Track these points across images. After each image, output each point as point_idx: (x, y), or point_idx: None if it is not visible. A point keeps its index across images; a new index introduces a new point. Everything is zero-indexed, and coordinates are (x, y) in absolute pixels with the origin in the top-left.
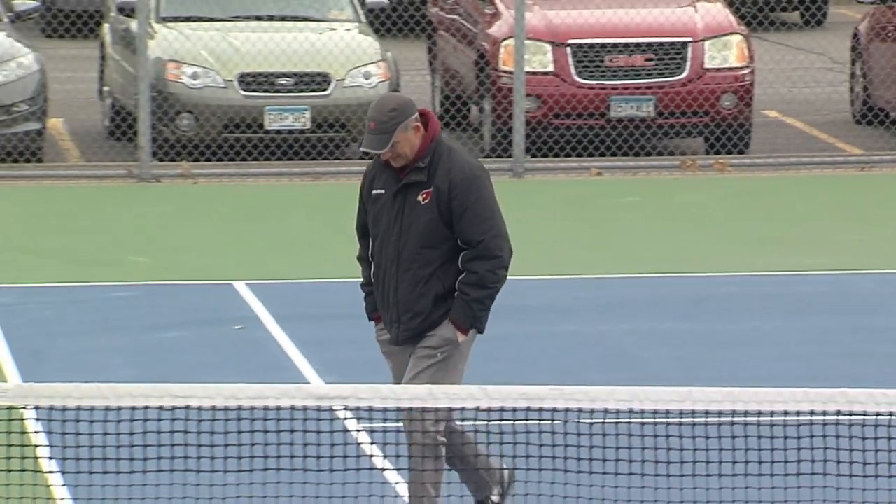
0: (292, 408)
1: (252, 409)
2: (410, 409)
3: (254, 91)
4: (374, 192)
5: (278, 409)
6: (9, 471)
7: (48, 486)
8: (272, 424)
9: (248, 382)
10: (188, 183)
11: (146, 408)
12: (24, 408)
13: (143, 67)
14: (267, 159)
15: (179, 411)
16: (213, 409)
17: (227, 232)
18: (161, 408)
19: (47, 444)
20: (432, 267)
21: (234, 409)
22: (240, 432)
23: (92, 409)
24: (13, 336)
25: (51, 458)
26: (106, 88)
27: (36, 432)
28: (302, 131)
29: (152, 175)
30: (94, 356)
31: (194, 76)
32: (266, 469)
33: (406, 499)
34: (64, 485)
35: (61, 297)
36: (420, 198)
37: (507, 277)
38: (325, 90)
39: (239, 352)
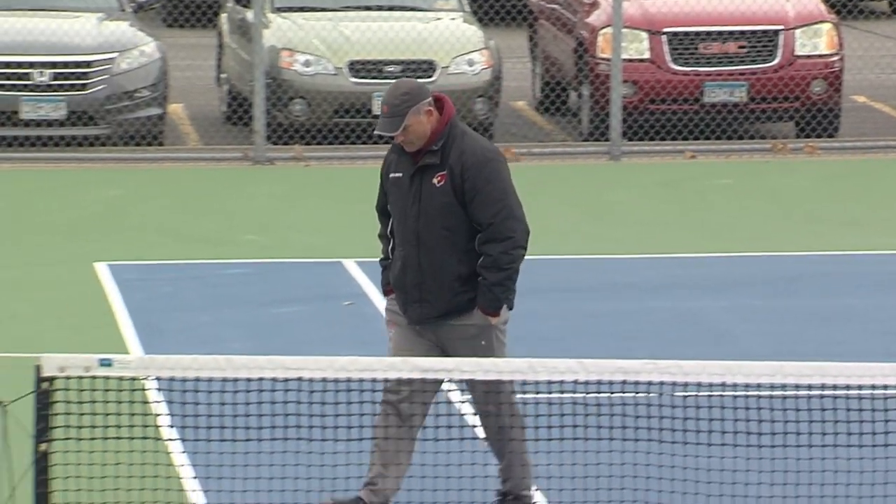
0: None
1: (361, 380)
2: (483, 391)
3: (363, 78)
4: (392, 175)
5: (385, 381)
6: (131, 438)
7: (168, 453)
8: (380, 396)
9: (357, 355)
10: (300, 165)
11: (260, 379)
12: (145, 379)
13: (258, 55)
14: (375, 143)
15: (292, 383)
16: (324, 380)
17: (337, 212)
18: (274, 379)
19: (168, 413)
20: (453, 248)
21: (344, 381)
22: (349, 403)
23: (210, 380)
24: (135, 310)
25: (171, 426)
26: (223, 75)
27: (157, 402)
28: None
29: (266, 158)
30: (210, 330)
31: (307, 63)
32: (374, 438)
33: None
34: (183, 452)
35: (180, 274)
36: (435, 180)
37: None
38: (430, 77)
39: (348, 326)
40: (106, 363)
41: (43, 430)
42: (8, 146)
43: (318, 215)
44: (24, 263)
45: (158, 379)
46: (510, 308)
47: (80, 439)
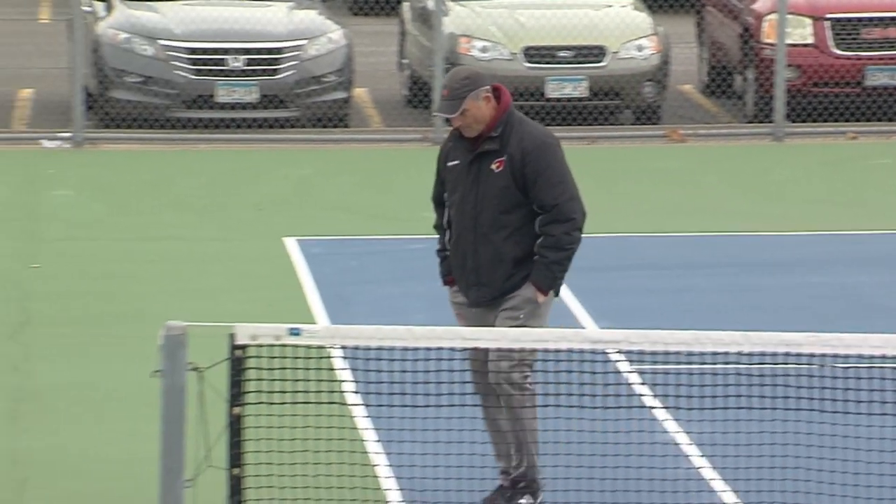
0: (570, 350)
1: (533, 350)
2: (495, 361)
3: (536, 63)
4: (450, 163)
5: (557, 351)
6: (318, 403)
7: (352, 417)
8: (551, 365)
9: None
10: None
11: (439, 349)
12: (331, 347)
13: (438, 42)
14: (547, 125)
15: (468, 353)
16: (499, 350)
17: None
18: (452, 349)
19: (352, 380)
20: (509, 231)
21: (517, 352)
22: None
23: (392, 349)
24: (323, 283)
25: (355, 392)
26: (405, 61)
27: (342, 369)
28: (580, 99)
29: (442, 139)
30: (393, 302)
31: (484, 49)
32: (546, 405)
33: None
34: (366, 416)
35: (365, 249)
36: (494, 166)
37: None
38: (601, 62)
39: None
40: (295, 332)
41: (236, 394)
42: (204, 128)
43: None
44: (219, 239)
45: (344, 348)
46: (556, 294)
47: (271, 403)
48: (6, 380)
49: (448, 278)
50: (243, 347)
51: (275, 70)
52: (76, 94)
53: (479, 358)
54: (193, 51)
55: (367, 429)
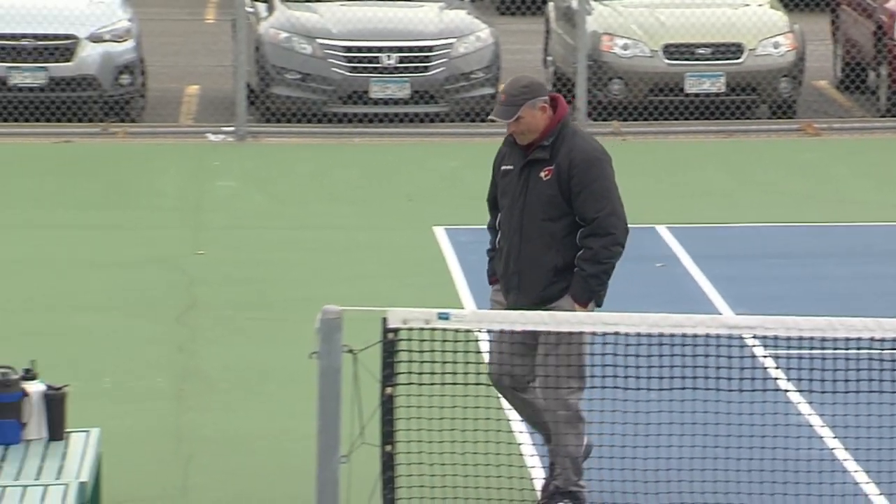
0: (707, 336)
1: (672, 336)
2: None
3: (676, 59)
4: (504, 168)
5: (695, 336)
6: (465, 384)
7: (497, 396)
8: (689, 350)
9: (669, 313)
10: (618, 140)
11: (581, 333)
12: (478, 331)
13: (581, 40)
14: (686, 119)
15: (609, 337)
16: (639, 335)
17: (651, 182)
18: (594, 333)
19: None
20: (551, 240)
21: (657, 336)
22: (661, 356)
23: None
24: (469, 270)
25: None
26: (549, 58)
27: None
28: (717, 94)
29: (589, 132)
30: None
31: (625, 47)
32: (683, 388)
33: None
34: None
35: None
36: (542, 174)
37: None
38: (738, 58)
39: (660, 286)
40: (444, 317)
41: (388, 375)
42: (359, 122)
43: (633, 185)
44: (372, 228)
45: (489, 332)
46: (598, 305)
47: (421, 384)
48: (173, 360)
49: (493, 278)
50: (395, 331)
51: (426, 67)
52: (239, 90)
53: (512, 373)
54: (349, 49)
55: (511, 409)
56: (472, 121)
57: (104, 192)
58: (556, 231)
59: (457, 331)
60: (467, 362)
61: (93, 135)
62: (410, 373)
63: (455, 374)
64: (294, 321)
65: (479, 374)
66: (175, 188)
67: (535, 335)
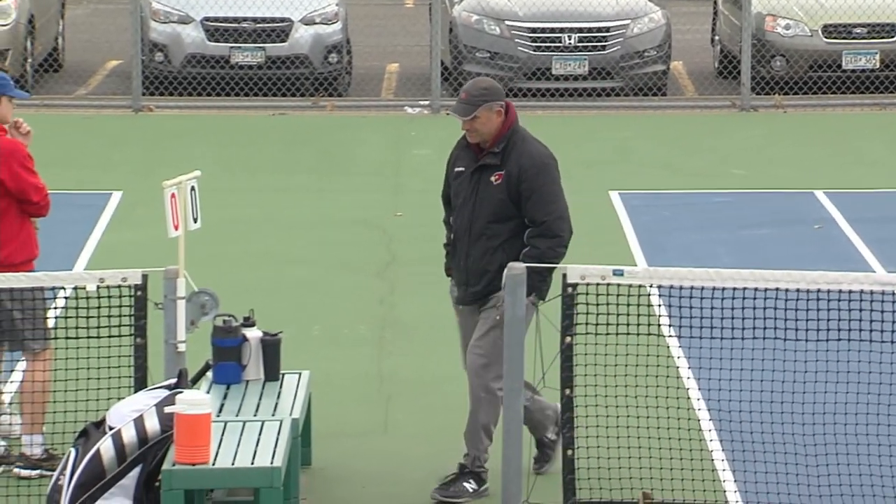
0: (861, 292)
1: (829, 291)
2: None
3: (834, 38)
4: (456, 169)
5: (850, 292)
6: (637, 334)
7: (667, 347)
8: (844, 304)
9: (825, 271)
10: (779, 112)
11: (744, 289)
12: (650, 286)
13: (746, 20)
14: (843, 93)
15: (770, 292)
16: (798, 291)
17: (809, 151)
18: (756, 290)
19: (667, 315)
20: (499, 240)
21: (814, 292)
22: (818, 310)
23: (702, 288)
24: (641, 231)
25: (669, 326)
26: (716, 37)
27: (658, 306)
28: (872, 70)
29: (751, 106)
30: (702, 248)
31: (787, 27)
32: (839, 339)
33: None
34: (678, 347)
35: (678, 201)
36: (493, 178)
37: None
38: (892, 37)
39: (817, 246)
40: (618, 273)
41: (567, 326)
42: (542, 96)
43: (793, 153)
44: None
45: (660, 287)
46: (542, 299)
47: (597, 334)
48: (374, 311)
49: (448, 270)
50: (574, 286)
51: (603, 46)
52: (434, 67)
53: None
54: (534, 30)
55: (679, 357)
56: (645, 95)
57: (314, 159)
58: (502, 232)
59: (630, 286)
60: (639, 314)
61: (304, 108)
62: (587, 323)
63: (628, 325)
64: None
65: (649, 325)
66: (376, 156)
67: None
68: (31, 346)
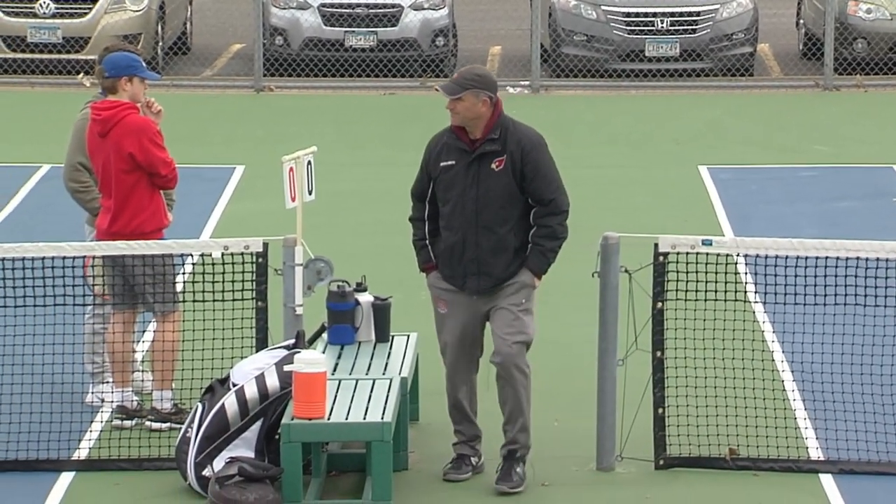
0: None
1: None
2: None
3: None
4: (444, 163)
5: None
6: (725, 300)
7: (753, 312)
8: None
9: None
10: (860, 91)
11: (826, 258)
12: (737, 255)
13: (830, 4)
14: None
15: (850, 261)
16: (877, 260)
17: (890, 128)
18: (837, 259)
19: (753, 282)
20: (509, 225)
21: (893, 261)
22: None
23: (786, 257)
24: (729, 203)
25: (755, 292)
26: (801, 21)
27: (745, 273)
28: None
29: (833, 85)
30: (787, 219)
31: (868, 11)
32: None
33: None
34: (765, 313)
35: (764, 175)
36: (494, 165)
37: None
38: None
39: (895, 218)
40: (707, 242)
41: (659, 292)
42: (635, 77)
43: (873, 131)
44: (645, 166)
45: (746, 256)
46: (544, 273)
47: (687, 300)
48: None
49: (427, 265)
50: (665, 254)
51: (693, 29)
52: (534, 50)
53: (467, 353)
54: (628, 14)
55: (764, 322)
56: (733, 75)
57: (421, 135)
58: (512, 216)
59: (718, 255)
60: (727, 282)
61: (413, 88)
62: (678, 290)
63: (716, 291)
64: (579, 245)
65: (736, 292)
66: None
67: (486, 313)
68: (160, 308)
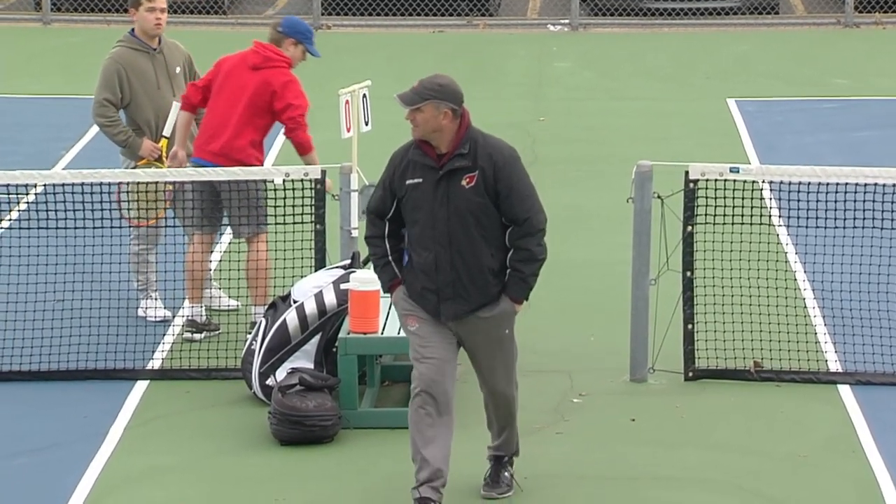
0: None
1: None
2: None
3: None
4: (409, 182)
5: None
6: (750, 224)
7: (776, 235)
8: None
9: None
10: (879, 28)
11: (846, 185)
12: (762, 182)
13: None
14: None
15: (869, 187)
16: (894, 185)
17: None
18: (857, 185)
19: (777, 207)
20: (486, 245)
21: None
22: None
23: (808, 183)
24: (755, 133)
25: (779, 216)
26: None
27: (770, 199)
28: None
29: (854, 23)
30: (810, 148)
31: None
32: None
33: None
34: (787, 235)
35: (788, 107)
36: (464, 182)
37: None
38: None
39: None
40: (735, 170)
41: (689, 216)
42: (668, 15)
43: (892, 65)
44: (676, 99)
45: (771, 182)
46: (526, 299)
47: (715, 224)
48: None
49: (394, 282)
50: (695, 181)
51: None
52: None
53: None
54: None
55: (787, 244)
56: (760, 13)
57: (468, 70)
58: (488, 236)
59: (745, 181)
60: (752, 207)
61: (460, 26)
62: (707, 214)
63: (742, 216)
64: (614, 173)
65: (761, 216)
66: (522, 68)
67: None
68: (249, 230)
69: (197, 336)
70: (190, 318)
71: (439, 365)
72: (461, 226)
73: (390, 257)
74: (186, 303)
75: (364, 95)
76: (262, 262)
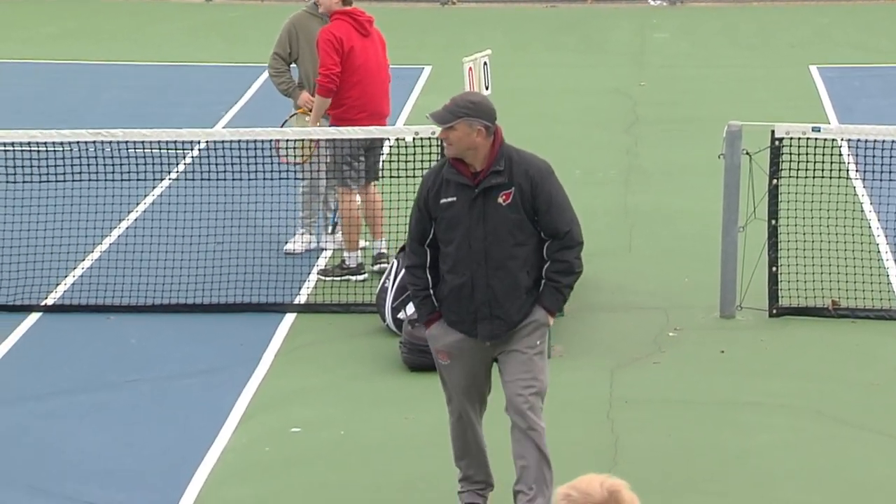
0: None
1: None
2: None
3: None
4: (444, 201)
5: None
6: (831, 178)
7: (854, 188)
8: None
9: None
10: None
11: (874, 141)
12: (841, 140)
13: None
14: None
15: (878, 143)
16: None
17: None
18: (875, 141)
19: (854, 163)
20: (524, 262)
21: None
22: None
23: (882, 141)
24: (835, 97)
25: (856, 171)
26: None
27: (848, 155)
28: None
29: None
30: (883, 110)
31: None
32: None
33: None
34: (863, 188)
35: (865, 73)
36: (500, 199)
37: None
38: None
39: None
40: (816, 129)
41: (774, 171)
42: None
43: None
44: (764, 66)
45: (849, 140)
46: (561, 312)
47: (797, 178)
48: (621, 159)
49: (432, 317)
50: (780, 140)
51: None
52: None
53: (479, 380)
54: None
55: (863, 196)
56: None
57: (577, 41)
58: (524, 253)
59: (825, 140)
60: (832, 162)
61: (571, 1)
62: (790, 169)
63: (823, 171)
64: (708, 132)
65: (840, 171)
66: (625, 39)
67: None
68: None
69: (359, 277)
70: (346, 264)
71: (462, 413)
72: (497, 243)
73: (431, 290)
74: (346, 253)
75: (485, 63)
76: (349, 211)
